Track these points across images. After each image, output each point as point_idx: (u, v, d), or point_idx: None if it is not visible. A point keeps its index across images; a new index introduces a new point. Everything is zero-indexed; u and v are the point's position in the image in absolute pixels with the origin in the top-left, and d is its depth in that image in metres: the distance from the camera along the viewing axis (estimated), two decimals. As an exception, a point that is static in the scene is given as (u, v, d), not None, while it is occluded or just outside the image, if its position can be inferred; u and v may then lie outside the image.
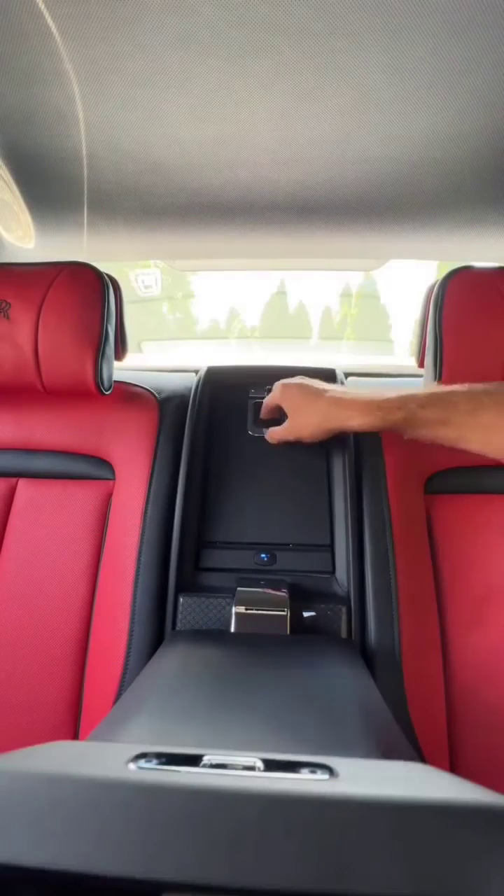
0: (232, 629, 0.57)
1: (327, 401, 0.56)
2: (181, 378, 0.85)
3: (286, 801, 0.17)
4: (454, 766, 0.58)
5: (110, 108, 0.59)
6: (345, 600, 0.63)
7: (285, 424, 0.61)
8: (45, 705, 0.62)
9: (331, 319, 1.45)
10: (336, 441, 0.71)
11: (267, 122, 0.60)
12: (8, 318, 0.66)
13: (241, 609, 0.58)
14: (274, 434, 0.63)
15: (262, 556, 0.68)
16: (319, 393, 0.57)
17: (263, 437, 0.68)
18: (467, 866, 0.15)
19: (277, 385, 0.62)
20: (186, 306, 1.45)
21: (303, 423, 0.58)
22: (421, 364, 0.77)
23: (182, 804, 0.16)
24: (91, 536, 0.68)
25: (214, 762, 0.20)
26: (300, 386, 0.60)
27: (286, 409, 0.60)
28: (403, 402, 0.52)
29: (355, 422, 0.54)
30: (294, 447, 0.66)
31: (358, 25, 0.47)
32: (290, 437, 0.61)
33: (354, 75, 0.53)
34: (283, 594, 0.60)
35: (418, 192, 0.74)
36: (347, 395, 0.56)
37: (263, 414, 0.67)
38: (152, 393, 0.77)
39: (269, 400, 0.64)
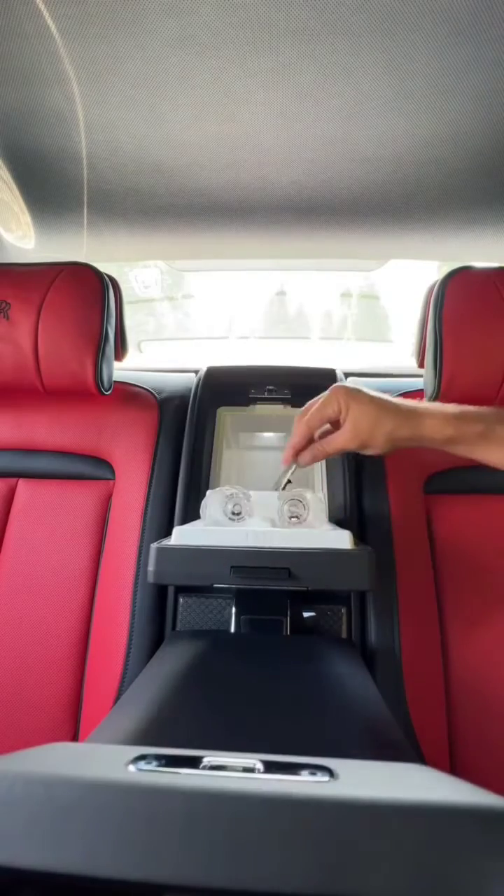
0: (232, 629, 0.57)
1: (398, 407, 0.52)
2: (181, 378, 0.85)
3: (286, 802, 0.17)
4: (454, 766, 0.58)
5: (110, 109, 0.59)
6: (345, 600, 0.63)
7: (346, 432, 0.52)
8: (45, 705, 0.62)
9: (331, 320, 1.45)
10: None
11: (267, 122, 0.60)
12: (8, 318, 0.66)
13: (241, 610, 0.58)
14: (333, 443, 0.53)
15: None
16: (387, 399, 0.53)
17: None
18: (468, 868, 0.15)
19: (337, 390, 0.53)
20: (186, 306, 1.45)
21: (372, 430, 0.51)
22: (421, 364, 0.77)
23: (182, 806, 0.16)
24: (91, 536, 0.68)
25: (214, 764, 0.20)
26: (365, 391, 0.53)
27: (351, 415, 0.52)
28: (482, 416, 0.51)
29: (431, 430, 0.51)
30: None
31: (358, 25, 0.47)
32: (353, 445, 0.52)
33: (354, 75, 0.53)
34: (283, 595, 0.60)
35: (418, 192, 0.74)
36: (419, 403, 0.53)
37: (316, 421, 0.54)
38: (152, 393, 0.77)
39: (323, 407, 0.53)
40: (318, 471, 0.72)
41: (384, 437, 0.51)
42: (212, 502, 0.53)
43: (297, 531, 0.49)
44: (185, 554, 0.40)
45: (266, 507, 0.56)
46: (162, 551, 0.40)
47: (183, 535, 0.44)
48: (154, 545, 0.42)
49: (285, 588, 0.39)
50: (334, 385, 0.54)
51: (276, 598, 0.60)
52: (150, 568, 0.39)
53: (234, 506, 0.53)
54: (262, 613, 0.58)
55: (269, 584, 0.38)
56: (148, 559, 0.44)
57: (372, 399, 0.52)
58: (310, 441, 0.54)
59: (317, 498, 0.54)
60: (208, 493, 0.54)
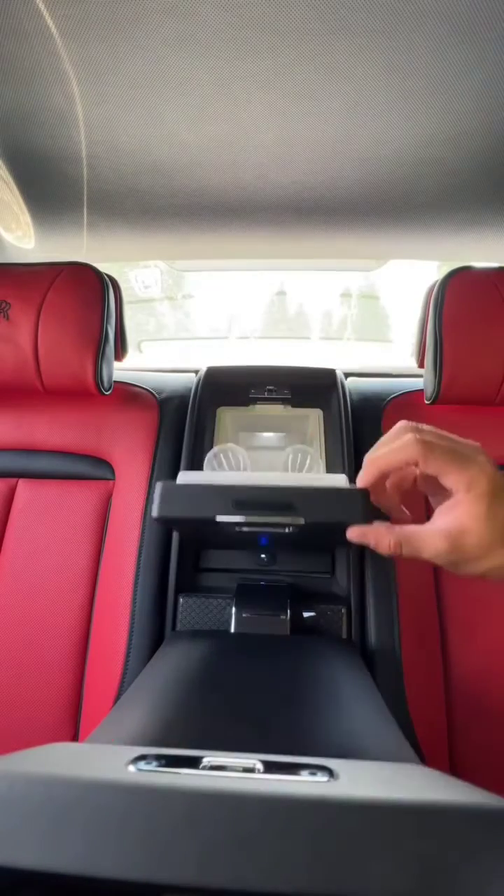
0: (232, 630, 0.57)
1: None
2: (181, 378, 0.85)
3: (286, 803, 0.17)
4: (454, 766, 0.58)
5: (110, 109, 0.59)
6: (345, 601, 0.63)
7: (450, 530, 0.32)
8: (45, 705, 0.62)
9: (331, 320, 1.45)
10: (334, 440, 0.71)
11: (266, 122, 0.60)
12: (8, 318, 0.66)
13: (241, 609, 0.58)
14: (426, 548, 0.33)
15: (262, 556, 0.68)
16: None
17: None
18: (467, 869, 0.15)
19: (447, 448, 0.33)
20: (186, 306, 1.45)
21: (486, 547, 0.31)
22: (421, 364, 0.77)
23: (182, 806, 0.16)
24: (91, 536, 0.68)
25: (214, 764, 0.20)
26: (498, 483, 0.32)
27: (463, 506, 0.32)
28: None
29: None
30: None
31: (358, 25, 0.47)
32: (451, 557, 0.32)
33: (354, 75, 0.53)
34: (283, 595, 0.60)
35: (418, 192, 0.74)
36: None
37: (390, 488, 0.38)
38: (152, 393, 0.77)
39: (414, 459, 0.33)
40: (318, 472, 0.72)
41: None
42: (206, 462, 0.53)
43: (298, 474, 0.49)
44: (190, 490, 0.40)
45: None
46: (167, 487, 0.40)
47: (188, 476, 0.44)
48: (160, 483, 0.42)
49: (285, 524, 0.39)
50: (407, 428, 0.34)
51: (276, 595, 0.60)
52: (155, 504, 0.39)
53: (231, 456, 0.54)
54: (262, 611, 0.58)
55: (270, 518, 0.38)
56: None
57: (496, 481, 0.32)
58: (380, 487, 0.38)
59: (317, 458, 0.54)
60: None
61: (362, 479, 0.37)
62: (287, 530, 0.42)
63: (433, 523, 0.33)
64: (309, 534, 0.46)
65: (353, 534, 0.36)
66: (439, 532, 0.32)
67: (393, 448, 0.34)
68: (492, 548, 0.31)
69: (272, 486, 0.40)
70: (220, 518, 0.38)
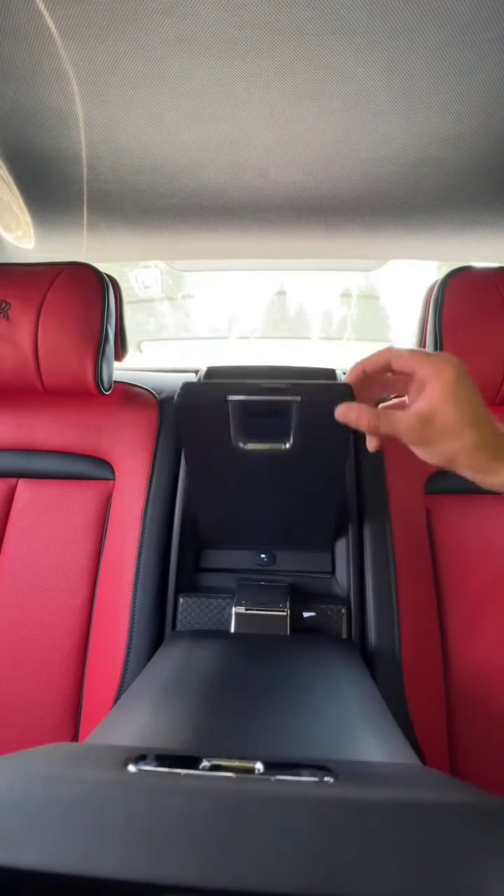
0: (232, 629, 0.57)
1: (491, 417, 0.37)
2: (181, 378, 0.85)
3: (286, 802, 0.17)
4: (453, 766, 0.58)
5: (110, 109, 0.59)
6: (345, 601, 0.63)
7: (421, 409, 0.36)
8: (45, 705, 0.62)
9: (331, 320, 1.45)
10: (335, 439, 0.71)
11: (267, 122, 0.60)
12: (8, 318, 0.66)
13: (241, 609, 0.58)
14: (400, 424, 0.37)
15: (262, 556, 0.68)
16: (481, 400, 0.38)
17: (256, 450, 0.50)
18: (465, 867, 0.15)
19: (424, 355, 0.37)
20: (186, 306, 1.45)
21: (454, 427, 0.36)
22: (421, 364, 0.77)
23: (181, 806, 0.16)
24: (91, 536, 0.68)
25: (214, 764, 0.20)
26: (464, 371, 0.37)
27: (433, 390, 0.36)
28: None
29: None
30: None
31: (358, 26, 0.47)
32: (422, 435, 0.37)
33: (354, 76, 0.53)
34: (283, 594, 0.60)
35: (418, 192, 0.74)
36: None
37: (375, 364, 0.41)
38: (152, 393, 0.77)
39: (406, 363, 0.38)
40: None
41: (467, 444, 0.36)
42: None
43: None
44: (207, 384, 0.48)
45: None
46: (189, 382, 0.47)
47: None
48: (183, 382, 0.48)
49: (284, 402, 0.47)
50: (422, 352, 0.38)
51: (276, 594, 0.60)
52: (178, 393, 0.46)
53: None
54: (261, 609, 0.58)
55: (271, 397, 0.46)
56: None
57: (468, 384, 0.37)
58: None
59: None
60: None
61: (348, 378, 0.43)
62: (285, 446, 0.48)
63: (409, 408, 0.38)
64: (304, 460, 0.51)
65: (340, 411, 0.41)
66: (413, 412, 0.37)
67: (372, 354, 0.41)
68: (459, 428, 0.36)
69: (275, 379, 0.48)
70: (231, 397, 0.46)
